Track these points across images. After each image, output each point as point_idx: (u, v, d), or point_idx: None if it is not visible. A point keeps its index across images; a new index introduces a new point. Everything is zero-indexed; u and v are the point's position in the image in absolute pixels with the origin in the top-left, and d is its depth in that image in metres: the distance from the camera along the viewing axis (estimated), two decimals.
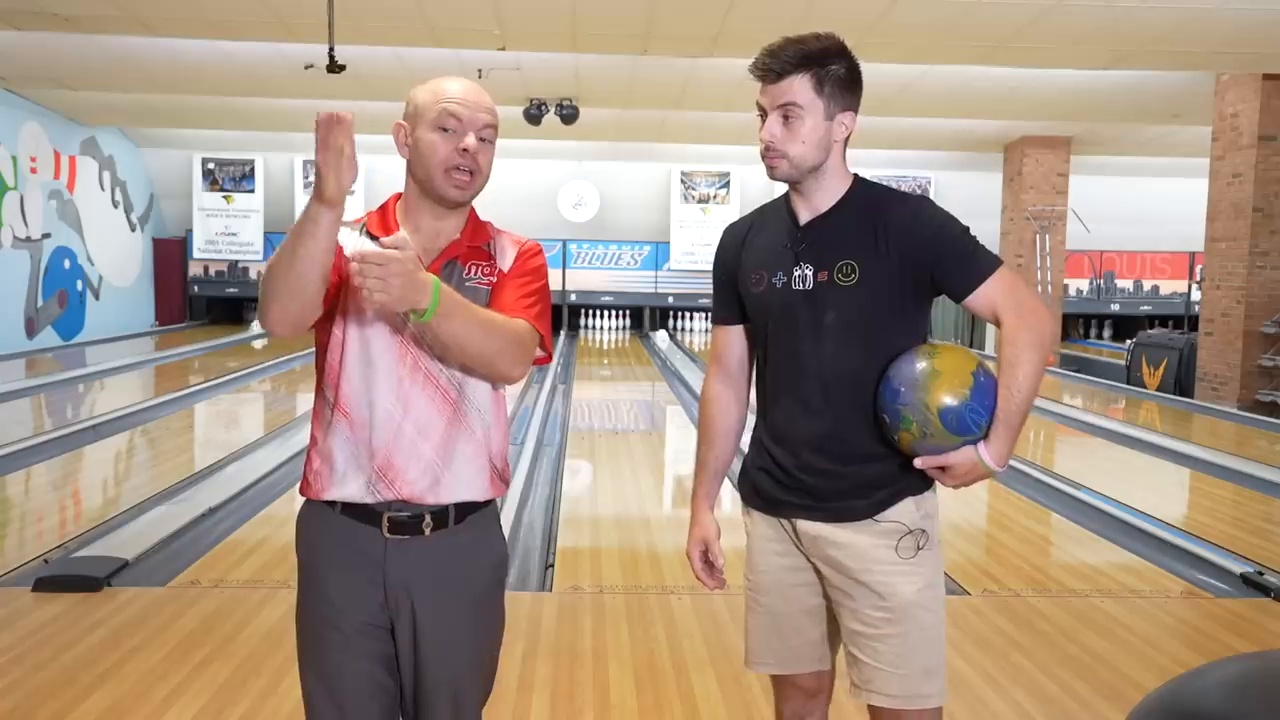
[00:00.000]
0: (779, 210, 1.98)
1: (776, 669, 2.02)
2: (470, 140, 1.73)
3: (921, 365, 1.82)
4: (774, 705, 2.09)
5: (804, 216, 1.92)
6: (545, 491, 5.75)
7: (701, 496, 2.10)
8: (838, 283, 1.85)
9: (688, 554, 2.09)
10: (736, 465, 2.12)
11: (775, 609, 1.98)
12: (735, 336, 2.06)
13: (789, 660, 1.99)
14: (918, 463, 1.84)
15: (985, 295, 1.83)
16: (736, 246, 2.02)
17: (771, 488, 1.96)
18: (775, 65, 1.83)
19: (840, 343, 1.86)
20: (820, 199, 1.90)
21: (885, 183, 1.98)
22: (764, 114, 1.87)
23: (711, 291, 2.10)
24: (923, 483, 1.91)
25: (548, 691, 3.05)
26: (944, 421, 1.78)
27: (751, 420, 2.08)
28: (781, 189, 1.98)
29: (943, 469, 1.83)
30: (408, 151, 1.77)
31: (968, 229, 1.88)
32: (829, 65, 1.83)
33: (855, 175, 1.93)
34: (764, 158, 1.89)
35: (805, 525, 1.92)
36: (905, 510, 1.89)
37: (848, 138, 1.90)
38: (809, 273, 1.88)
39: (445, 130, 1.72)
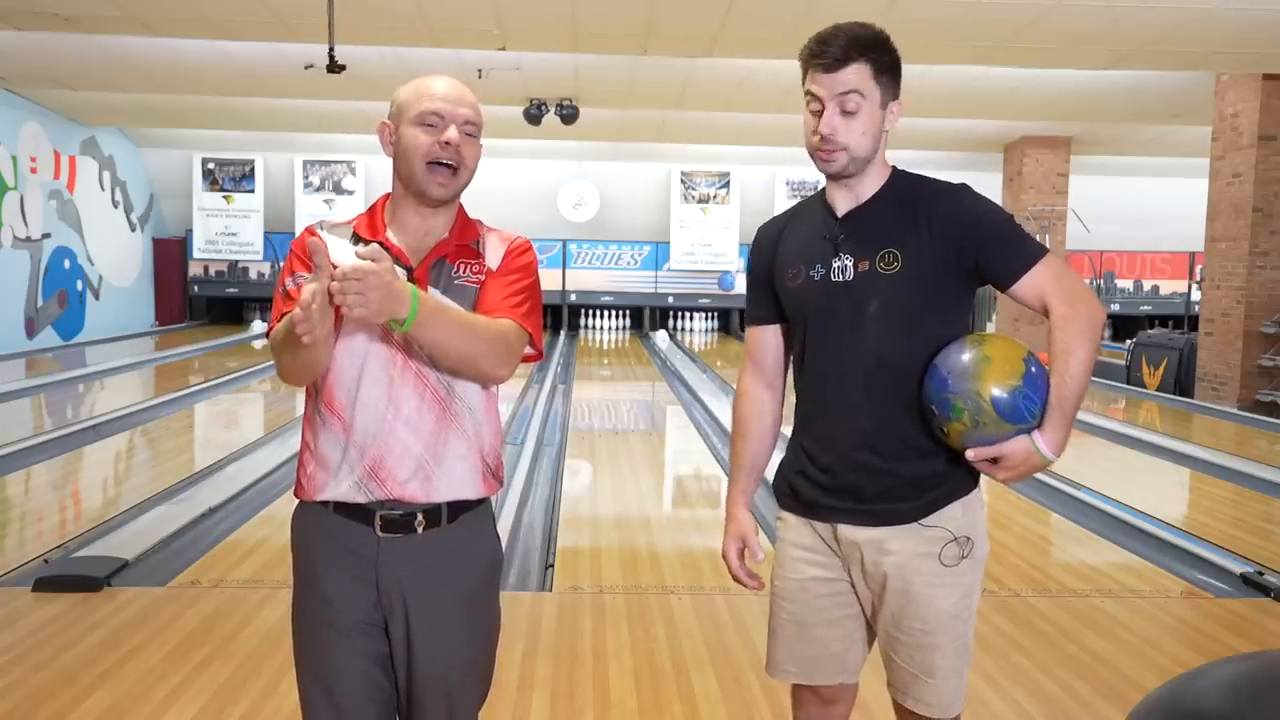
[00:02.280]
0: (814, 205, 1.95)
1: (798, 678, 1.99)
2: (452, 133, 1.73)
3: (971, 353, 1.78)
4: (790, 711, 2.07)
5: (843, 208, 1.88)
6: (545, 491, 5.74)
7: (737, 494, 2.05)
8: (880, 271, 1.81)
9: (724, 554, 2.03)
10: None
11: (800, 618, 1.95)
12: (770, 336, 2.02)
13: (810, 670, 1.97)
14: (970, 454, 1.78)
15: (1032, 283, 1.79)
16: (772, 243, 1.98)
17: (811, 491, 1.91)
18: (834, 51, 1.78)
19: (883, 332, 1.82)
20: (862, 190, 1.87)
21: None
22: (818, 103, 1.81)
23: (746, 290, 2.08)
24: (968, 481, 1.87)
25: (548, 691, 3.04)
26: (998, 409, 1.73)
27: (787, 424, 2.04)
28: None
29: (994, 461, 1.78)
30: (392, 150, 1.78)
31: (1011, 216, 1.86)
32: (881, 54, 1.81)
33: (893, 166, 1.91)
34: (818, 150, 1.83)
35: (847, 531, 1.88)
36: (951, 516, 1.85)
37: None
38: (849, 263, 1.84)
39: (427, 126, 1.73)
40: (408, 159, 1.74)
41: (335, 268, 1.53)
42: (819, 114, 1.81)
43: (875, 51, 1.80)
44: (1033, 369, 1.77)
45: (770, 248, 1.99)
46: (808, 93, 1.83)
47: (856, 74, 1.78)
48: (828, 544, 1.92)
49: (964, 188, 1.86)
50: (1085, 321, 1.77)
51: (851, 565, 1.91)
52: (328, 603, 1.75)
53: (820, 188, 1.95)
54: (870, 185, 1.87)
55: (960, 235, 1.80)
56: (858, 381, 1.85)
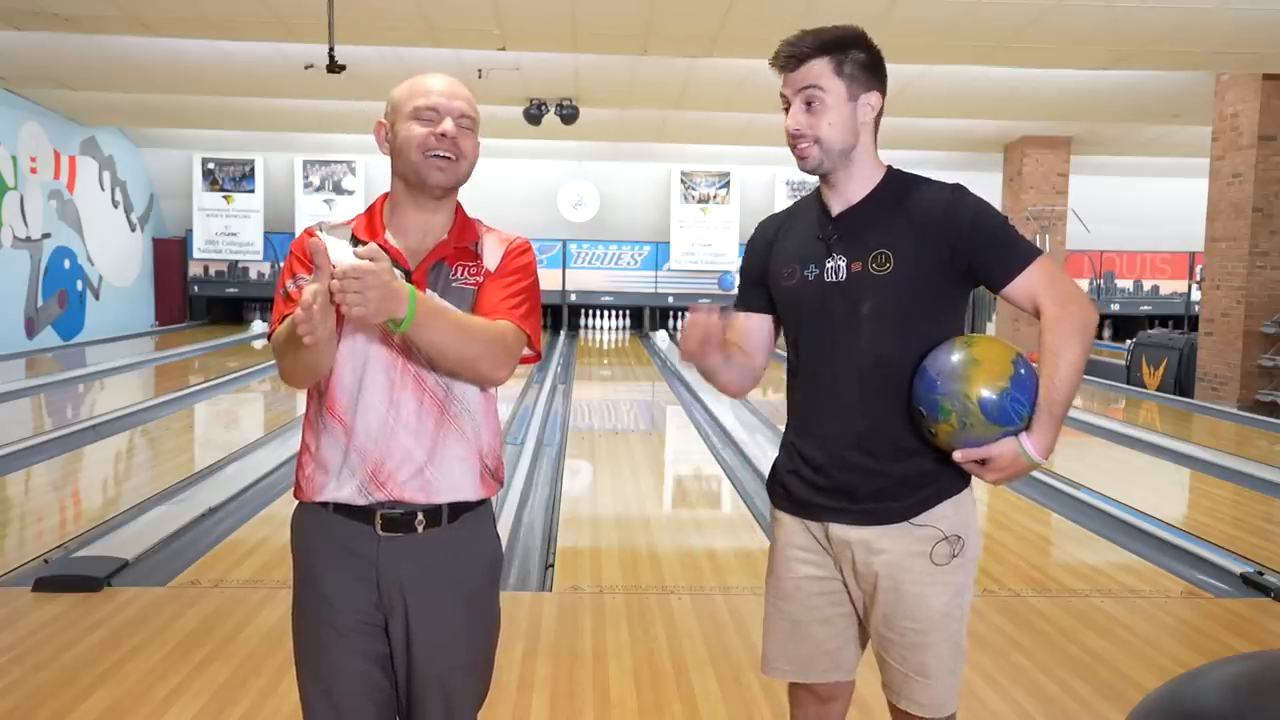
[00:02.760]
0: (809, 205, 1.96)
1: (792, 676, 2.00)
2: (448, 124, 1.73)
3: (959, 355, 1.78)
4: (789, 710, 2.07)
5: (836, 208, 1.89)
6: (545, 491, 5.74)
7: None
8: (873, 272, 1.82)
9: (689, 319, 1.89)
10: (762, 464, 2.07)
11: (794, 616, 1.96)
12: (756, 321, 2.03)
13: (804, 668, 1.97)
14: (957, 456, 1.79)
15: (1025, 285, 1.80)
16: (767, 243, 1.99)
17: (803, 490, 1.92)
18: (795, 52, 1.82)
19: (876, 334, 1.83)
20: (852, 189, 1.87)
21: None
22: (786, 103, 1.85)
23: (738, 287, 2.08)
24: (959, 481, 1.88)
25: (548, 691, 3.04)
26: (985, 411, 1.74)
27: (779, 425, 2.04)
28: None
29: (982, 463, 1.79)
30: (389, 148, 1.78)
31: (1006, 218, 1.87)
32: (848, 50, 1.82)
33: (888, 166, 1.91)
34: (794, 149, 1.85)
35: (838, 530, 1.88)
36: (942, 515, 1.85)
37: (878, 121, 1.88)
38: (842, 264, 1.85)
39: (423, 120, 1.74)
40: (405, 152, 1.74)
41: (335, 268, 1.53)
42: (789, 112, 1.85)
43: (837, 48, 1.82)
44: (1021, 371, 1.77)
45: (765, 248, 2.00)
46: (781, 96, 1.87)
47: (814, 70, 1.81)
48: (820, 543, 1.93)
49: (958, 188, 1.87)
50: (1076, 323, 1.77)
51: (843, 564, 1.91)
52: (328, 603, 1.75)
53: (817, 187, 1.96)
54: (861, 186, 1.88)
55: (954, 237, 1.81)
56: (852, 382, 1.85)
